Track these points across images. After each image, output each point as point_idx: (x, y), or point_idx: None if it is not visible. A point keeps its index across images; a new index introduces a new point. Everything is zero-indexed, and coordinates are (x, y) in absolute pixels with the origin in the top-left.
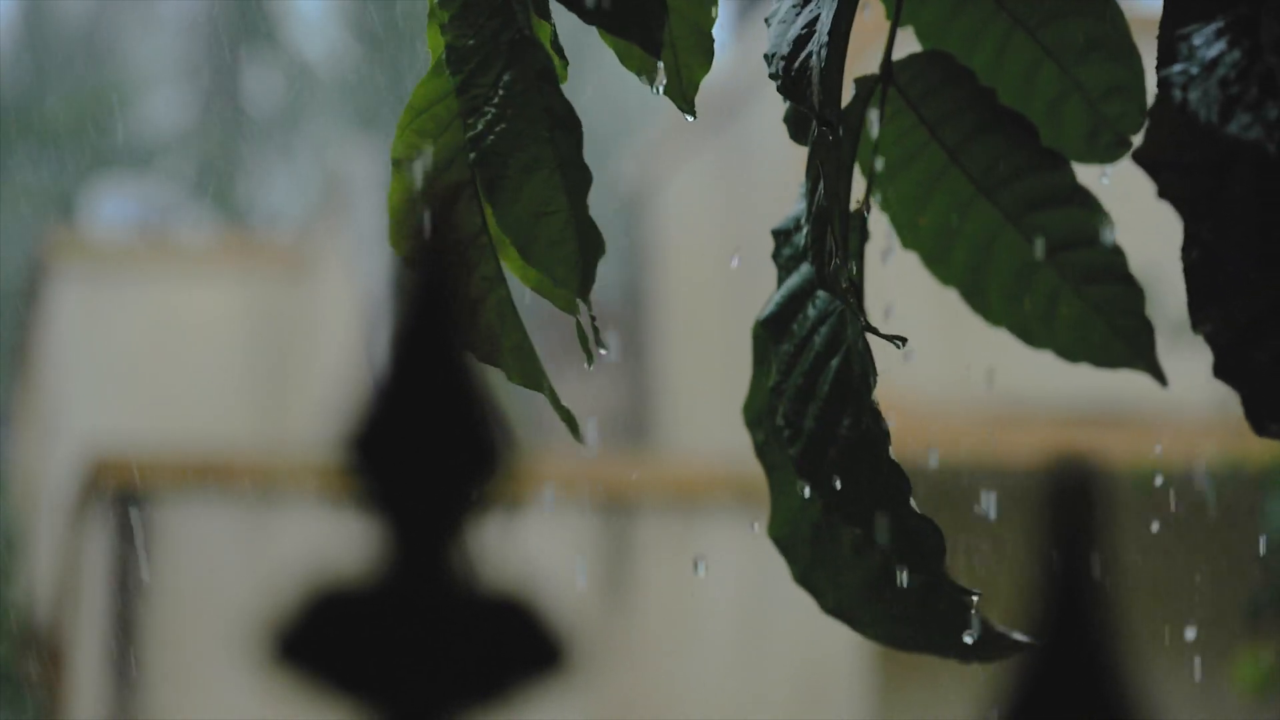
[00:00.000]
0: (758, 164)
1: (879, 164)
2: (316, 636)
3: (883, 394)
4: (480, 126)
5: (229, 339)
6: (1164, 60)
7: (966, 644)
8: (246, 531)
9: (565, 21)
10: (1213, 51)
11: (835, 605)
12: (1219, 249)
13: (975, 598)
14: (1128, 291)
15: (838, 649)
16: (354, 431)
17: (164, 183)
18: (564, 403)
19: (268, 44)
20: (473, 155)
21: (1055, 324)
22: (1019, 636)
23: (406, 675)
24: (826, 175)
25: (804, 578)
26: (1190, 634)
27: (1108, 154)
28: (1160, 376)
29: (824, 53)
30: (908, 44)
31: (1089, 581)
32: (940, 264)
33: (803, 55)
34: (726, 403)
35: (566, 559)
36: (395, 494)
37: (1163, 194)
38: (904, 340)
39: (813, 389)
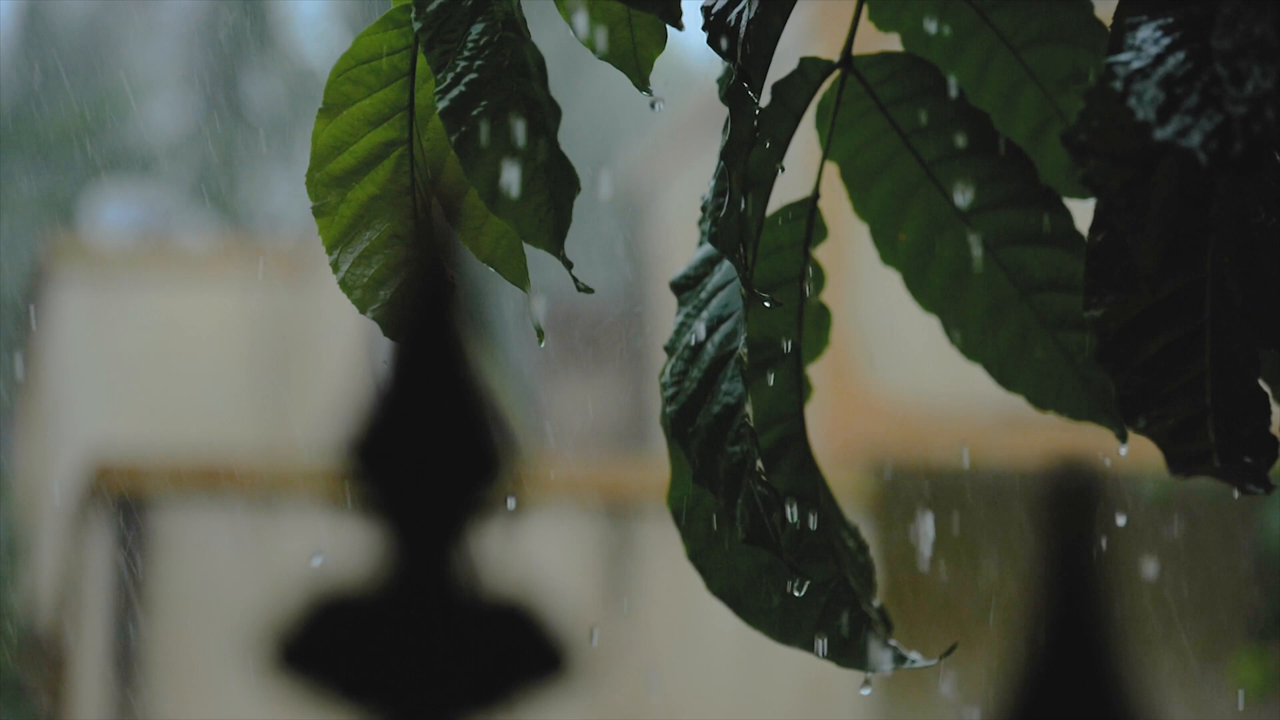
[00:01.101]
0: None
1: (831, 147)
2: (319, 642)
3: (886, 398)
4: (448, 79)
5: (231, 344)
6: (1114, 48)
7: (844, 649)
8: (248, 536)
9: (562, 30)
10: (1158, 48)
11: (723, 589)
12: (1131, 241)
13: (870, 605)
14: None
15: None
16: (356, 437)
17: (165, 188)
18: (564, 408)
19: (268, 49)
20: (441, 104)
21: (1028, 366)
22: (906, 653)
23: (408, 680)
24: (735, 133)
25: (696, 556)
26: (1190, 638)
27: (1085, 190)
28: (1122, 434)
29: (754, 6)
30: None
31: (1089, 584)
32: (920, 289)
33: (735, 11)
34: None
35: (568, 563)
36: (397, 499)
37: (1086, 180)
38: (778, 303)
39: (699, 353)
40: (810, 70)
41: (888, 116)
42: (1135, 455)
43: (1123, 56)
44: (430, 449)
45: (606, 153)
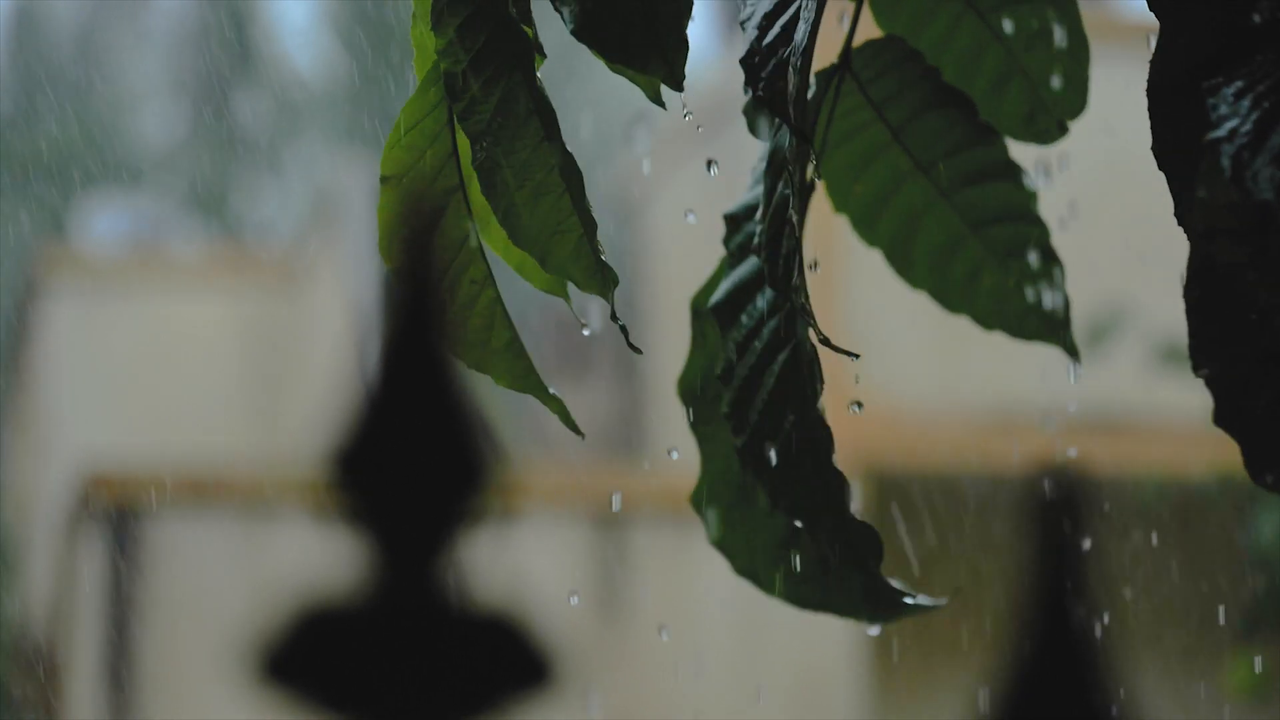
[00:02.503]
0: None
1: (822, 141)
2: (303, 654)
3: (874, 404)
4: (484, 155)
5: (222, 353)
6: (1156, 95)
7: (863, 604)
8: (241, 547)
9: (560, 29)
10: (1256, 115)
11: (746, 566)
12: (1268, 306)
13: (879, 560)
14: (1048, 266)
15: (832, 659)
16: (341, 446)
17: (156, 198)
18: (555, 416)
19: (258, 59)
20: (482, 183)
21: (976, 293)
22: (918, 598)
23: (394, 691)
24: (793, 182)
25: (720, 540)
26: (1180, 641)
27: (1044, 136)
28: (1074, 352)
29: (799, 64)
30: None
31: (1078, 588)
32: (868, 229)
33: (776, 63)
34: None
35: (559, 571)
36: (382, 509)
37: (1214, 263)
38: (856, 355)
39: (759, 382)
40: (823, 82)
41: (866, 96)
42: (1123, 461)
43: (1220, 131)
44: (415, 458)
45: (600, 155)
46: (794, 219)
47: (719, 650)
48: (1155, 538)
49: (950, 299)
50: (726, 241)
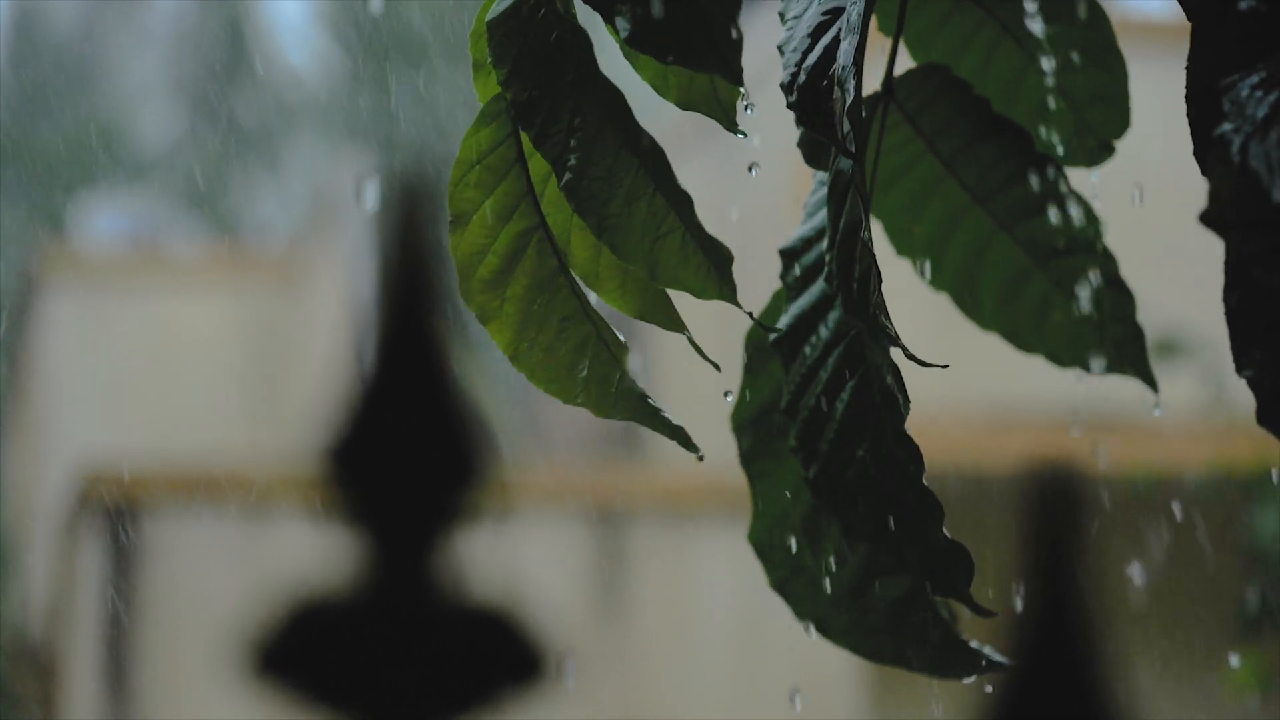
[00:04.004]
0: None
1: (875, 174)
2: (298, 649)
3: None
4: (569, 175)
5: (220, 352)
6: (1194, 99)
7: (937, 659)
8: (240, 545)
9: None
10: (1264, 109)
11: (811, 613)
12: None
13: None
14: (1118, 297)
15: (832, 658)
16: (334, 442)
17: (155, 197)
18: (558, 414)
19: (256, 58)
20: (574, 204)
21: (1046, 329)
22: (994, 655)
23: (389, 686)
24: (852, 204)
25: (781, 585)
26: (1179, 638)
27: (1091, 157)
28: (1151, 382)
29: (849, 84)
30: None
31: (1074, 587)
32: (933, 270)
33: (822, 85)
34: (720, 411)
35: (559, 570)
36: (377, 504)
37: (1234, 259)
38: (944, 366)
39: (829, 412)
40: (868, 110)
41: (915, 127)
42: (1121, 458)
43: (1228, 125)
44: (409, 454)
45: None
46: (865, 241)
47: (717, 649)
48: (1154, 534)
49: (1022, 338)
50: (784, 275)
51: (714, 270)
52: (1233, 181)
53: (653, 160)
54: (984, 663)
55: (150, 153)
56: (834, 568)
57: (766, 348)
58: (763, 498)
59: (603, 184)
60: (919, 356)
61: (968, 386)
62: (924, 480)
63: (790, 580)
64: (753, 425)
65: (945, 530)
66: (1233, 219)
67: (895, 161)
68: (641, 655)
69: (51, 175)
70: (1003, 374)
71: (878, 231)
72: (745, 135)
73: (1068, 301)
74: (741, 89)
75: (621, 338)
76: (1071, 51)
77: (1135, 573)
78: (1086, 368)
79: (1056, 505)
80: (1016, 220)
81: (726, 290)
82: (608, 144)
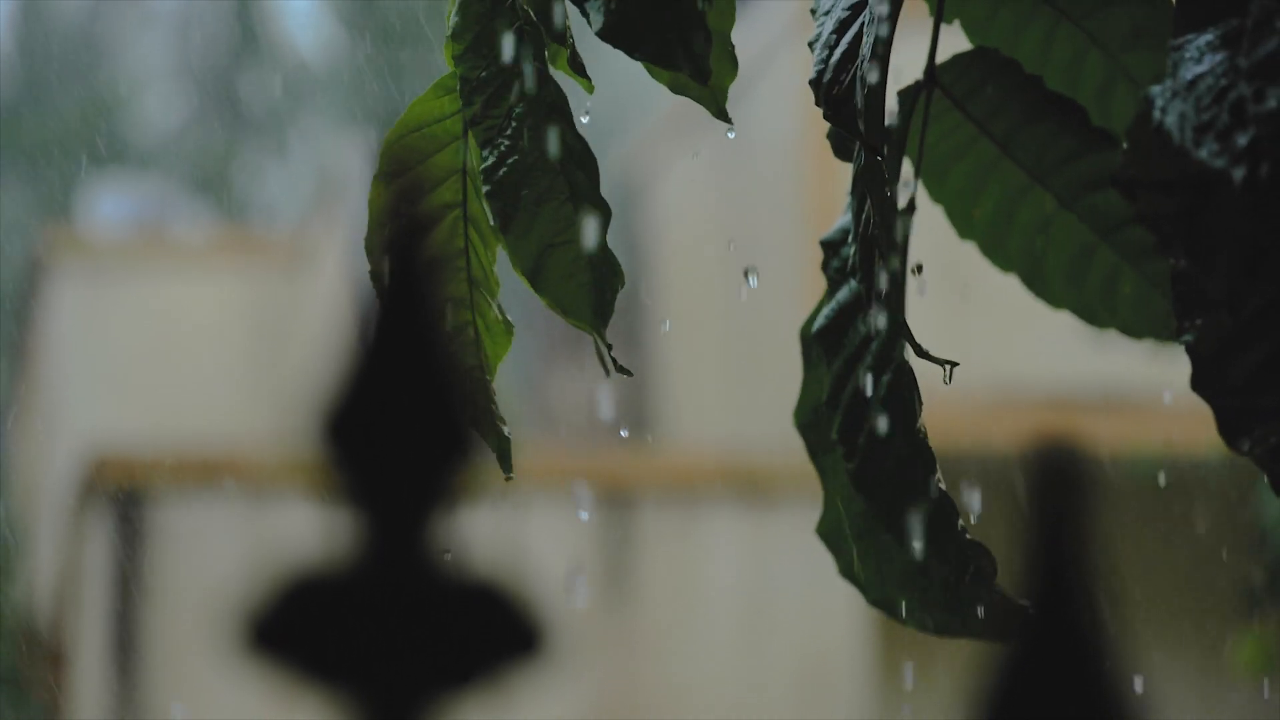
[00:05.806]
0: (754, 156)
1: (922, 162)
2: (293, 625)
3: None
4: (492, 159)
5: (227, 335)
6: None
7: (984, 622)
8: (246, 528)
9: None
10: (1195, 70)
11: (878, 597)
12: (1192, 268)
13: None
14: None
15: (837, 641)
16: (328, 421)
17: (161, 180)
18: (563, 397)
19: (262, 41)
20: (486, 187)
21: (1117, 302)
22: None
23: (383, 661)
24: (874, 200)
25: (848, 572)
26: (1184, 619)
27: None
28: None
29: (871, 77)
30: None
31: (1076, 566)
32: (997, 252)
33: (845, 80)
34: (725, 394)
35: (565, 552)
36: (372, 480)
37: (1139, 216)
38: (955, 364)
39: (866, 406)
40: (905, 101)
41: (965, 112)
42: (1126, 437)
43: (1158, 86)
44: (404, 429)
45: (603, 139)
46: (890, 234)
47: (723, 633)
48: (1158, 514)
49: (1093, 313)
50: (824, 267)
51: (593, 295)
52: (1149, 139)
53: (579, 168)
54: (1015, 610)
55: (156, 136)
56: (892, 556)
57: (814, 342)
58: (830, 490)
59: (519, 176)
60: (929, 352)
61: (971, 366)
62: (938, 482)
63: (856, 567)
64: (814, 420)
65: (961, 527)
66: (1145, 178)
67: (947, 147)
68: (647, 637)
69: (57, 159)
70: (1007, 354)
71: (940, 217)
72: (731, 124)
73: (1135, 273)
74: (729, 122)
75: (509, 334)
76: (1130, 31)
77: (1140, 553)
78: (1159, 338)
79: (1060, 485)
80: (1077, 196)
81: (598, 321)
82: (539, 141)
